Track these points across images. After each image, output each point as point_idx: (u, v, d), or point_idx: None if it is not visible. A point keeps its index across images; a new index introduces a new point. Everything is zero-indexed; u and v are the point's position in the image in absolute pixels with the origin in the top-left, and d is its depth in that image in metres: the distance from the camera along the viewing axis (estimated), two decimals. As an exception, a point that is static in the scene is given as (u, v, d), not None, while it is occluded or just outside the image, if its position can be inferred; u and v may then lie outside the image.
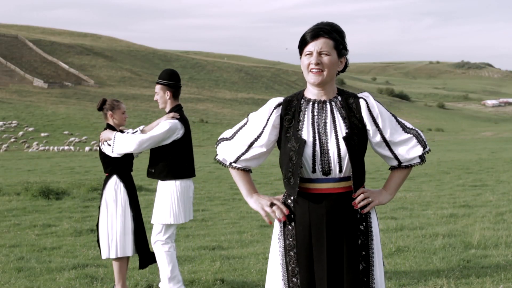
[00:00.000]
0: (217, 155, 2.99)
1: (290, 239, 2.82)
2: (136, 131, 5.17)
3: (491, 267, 5.83)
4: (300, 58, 2.84)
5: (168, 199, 5.10)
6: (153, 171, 5.18)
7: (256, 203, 2.87)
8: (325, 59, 2.75)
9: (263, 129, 2.83)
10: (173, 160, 5.11)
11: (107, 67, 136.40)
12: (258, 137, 2.84)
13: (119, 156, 5.15)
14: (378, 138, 2.80)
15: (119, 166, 5.28)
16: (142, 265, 5.40)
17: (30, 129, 74.15)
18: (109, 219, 5.23)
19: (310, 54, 2.76)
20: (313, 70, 2.75)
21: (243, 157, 2.89)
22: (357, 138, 2.75)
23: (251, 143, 2.86)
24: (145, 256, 5.35)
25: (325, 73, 2.75)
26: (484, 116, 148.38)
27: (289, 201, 2.85)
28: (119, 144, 5.04)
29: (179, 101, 5.29)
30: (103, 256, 5.29)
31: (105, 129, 5.32)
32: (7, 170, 25.35)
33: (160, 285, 5.26)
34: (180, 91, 5.29)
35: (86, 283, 5.72)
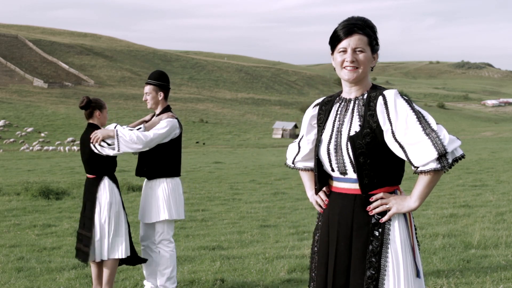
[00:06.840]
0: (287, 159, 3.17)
1: (318, 235, 2.87)
2: (140, 128, 5.01)
3: (491, 267, 5.82)
4: (332, 54, 2.78)
5: (164, 197, 5.09)
6: (145, 169, 5.15)
7: (311, 198, 2.99)
8: (361, 56, 2.69)
9: (306, 129, 2.96)
10: (166, 158, 5.11)
11: (107, 67, 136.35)
12: (303, 136, 2.99)
13: (116, 155, 4.99)
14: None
15: (110, 168, 5.11)
16: (133, 263, 5.34)
17: (30, 129, 74.17)
18: (104, 221, 5.00)
19: (344, 51, 2.70)
20: (348, 68, 2.70)
21: (297, 158, 3.05)
22: (369, 138, 2.64)
23: (298, 143, 3.02)
24: (135, 255, 5.30)
25: (360, 70, 2.70)
26: (484, 116, 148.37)
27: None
28: (125, 142, 4.87)
29: (167, 103, 5.29)
30: (98, 259, 5.01)
31: (89, 128, 5.09)
32: (7, 170, 25.35)
33: (144, 283, 5.29)
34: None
35: (86, 283, 5.72)
